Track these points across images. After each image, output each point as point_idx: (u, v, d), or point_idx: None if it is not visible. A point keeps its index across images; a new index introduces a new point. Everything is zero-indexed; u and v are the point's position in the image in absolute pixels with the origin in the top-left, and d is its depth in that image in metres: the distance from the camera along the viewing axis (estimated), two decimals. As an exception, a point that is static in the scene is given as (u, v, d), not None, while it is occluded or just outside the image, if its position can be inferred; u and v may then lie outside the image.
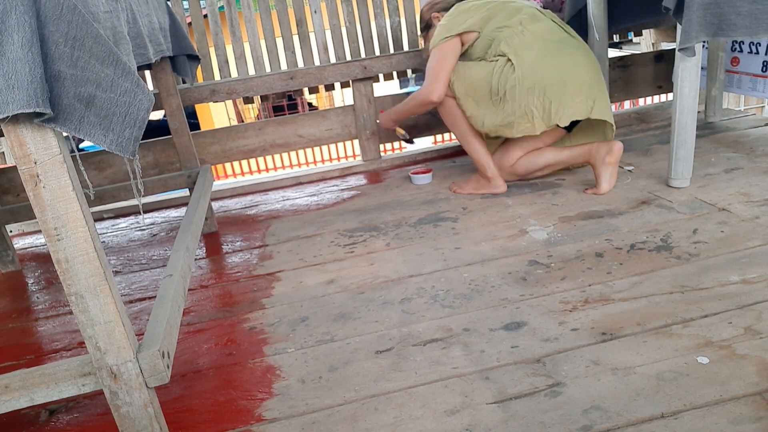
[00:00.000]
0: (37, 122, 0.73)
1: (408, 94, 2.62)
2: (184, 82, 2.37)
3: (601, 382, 1.02)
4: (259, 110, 9.88)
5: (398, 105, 2.17)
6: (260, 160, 8.02)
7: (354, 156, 7.94)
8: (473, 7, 1.93)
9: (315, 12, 2.45)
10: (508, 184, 2.03)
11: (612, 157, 1.82)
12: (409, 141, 2.36)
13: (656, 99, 3.51)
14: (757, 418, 0.89)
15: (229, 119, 9.67)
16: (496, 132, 1.89)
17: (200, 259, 1.85)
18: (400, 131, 2.32)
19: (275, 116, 6.08)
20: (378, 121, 2.37)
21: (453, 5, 2.03)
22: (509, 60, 1.82)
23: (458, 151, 2.62)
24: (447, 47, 1.93)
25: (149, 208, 2.47)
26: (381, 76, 2.55)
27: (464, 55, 1.96)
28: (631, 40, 3.26)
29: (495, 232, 1.71)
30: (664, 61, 2.83)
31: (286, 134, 2.55)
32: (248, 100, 2.55)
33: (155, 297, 1.11)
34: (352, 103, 2.55)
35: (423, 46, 2.24)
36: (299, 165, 8.17)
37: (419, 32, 2.22)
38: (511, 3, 1.93)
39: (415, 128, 2.60)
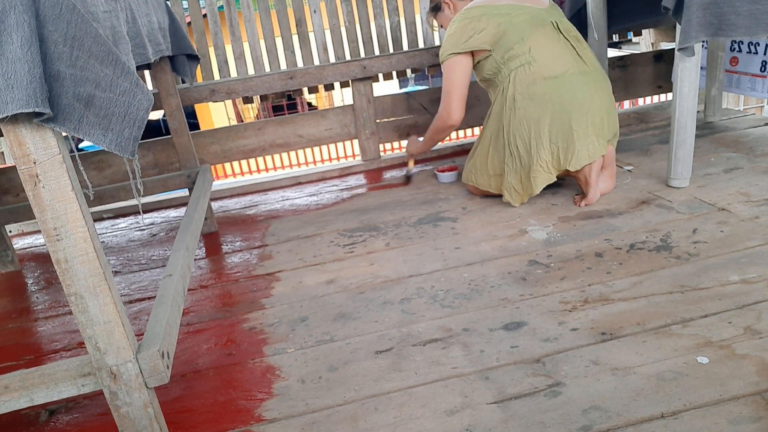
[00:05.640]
0: (37, 122, 0.73)
1: (408, 94, 2.62)
2: (183, 82, 2.37)
3: (601, 382, 1.02)
4: (258, 110, 9.88)
5: (423, 139, 2.14)
6: (260, 160, 8.01)
7: (354, 156, 7.94)
8: (484, 17, 1.80)
9: (314, 12, 2.45)
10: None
11: (594, 171, 1.75)
12: (408, 179, 2.34)
13: (656, 99, 3.51)
14: (757, 417, 0.89)
15: (229, 119, 9.67)
16: (522, 186, 1.83)
17: (200, 259, 1.85)
18: (412, 164, 2.35)
19: (275, 116, 6.08)
20: (407, 148, 2.32)
21: None
22: (513, 107, 1.77)
23: (457, 151, 2.62)
24: (457, 65, 1.87)
25: (149, 208, 2.46)
26: (380, 75, 2.55)
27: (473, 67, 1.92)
28: (630, 40, 3.26)
29: (495, 232, 1.71)
30: (663, 60, 2.83)
31: (285, 134, 2.55)
32: (248, 100, 2.54)
33: (155, 297, 1.11)
34: (351, 102, 2.55)
35: (429, 22, 2.21)
36: (299, 165, 8.17)
37: (428, 8, 2.14)
38: (526, 14, 1.79)
39: (414, 128, 2.60)
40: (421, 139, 2.20)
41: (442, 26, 2.10)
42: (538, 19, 1.79)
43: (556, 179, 1.79)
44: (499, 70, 1.81)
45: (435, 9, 2.07)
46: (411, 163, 2.35)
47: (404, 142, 2.50)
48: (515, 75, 1.77)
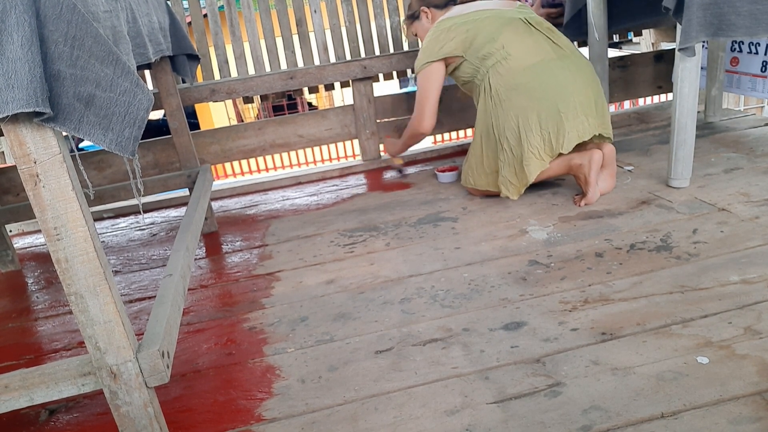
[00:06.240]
0: (37, 122, 0.73)
1: (408, 94, 2.63)
2: (183, 82, 2.37)
3: (601, 382, 1.02)
4: (258, 110, 9.88)
5: (399, 140, 2.22)
6: (260, 159, 8.02)
7: (354, 156, 7.94)
8: (453, 27, 1.87)
9: (315, 12, 2.45)
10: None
11: (593, 170, 1.75)
12: (401, 171, 2.47)
13: (656, 99, 3.51)
14: (757, 418, 0.89)
15: (229, 119, 9.67)
16: (517, 177, 1.83)
17: (200, 258, 1.85)
18: (398, 161, 2.44)
19: (275, 116, 6.08)
20: (388, 150, 2.38)
21: (445, 5, 2.03)
22: (498, 101, 1.79)
23: (457, 151, 2.62)
24: (430, 73, 1.95)
25: (149, 208, 2.47)
26: (381, 75, 2.55)
27: (451, 74, 1.97)
28: (630, 40, 3.25)
29: (495, 232, 1.71)
30: (663, 61, 2.83)
31: (285, 134, 2.55)
32: (248, 100, 2.55)
33: (155, 297, 1.11)
34: (351, 102, 2.55)
35: (405, 31, 2.26)
36: (299, 165, 8.17)
37: (405, 16, 2.16)
38: (494, 16, 1.85)
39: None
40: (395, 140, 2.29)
41: (416, 36, 2.15)
42: (505, 18, 1.85)
43: (548, 166, 1.79)
44: (477, 70, 1.87)
45: (412, 17, 2.11)
46: (397, 160, 2.44)
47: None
48: (494, 72, 1.81)
